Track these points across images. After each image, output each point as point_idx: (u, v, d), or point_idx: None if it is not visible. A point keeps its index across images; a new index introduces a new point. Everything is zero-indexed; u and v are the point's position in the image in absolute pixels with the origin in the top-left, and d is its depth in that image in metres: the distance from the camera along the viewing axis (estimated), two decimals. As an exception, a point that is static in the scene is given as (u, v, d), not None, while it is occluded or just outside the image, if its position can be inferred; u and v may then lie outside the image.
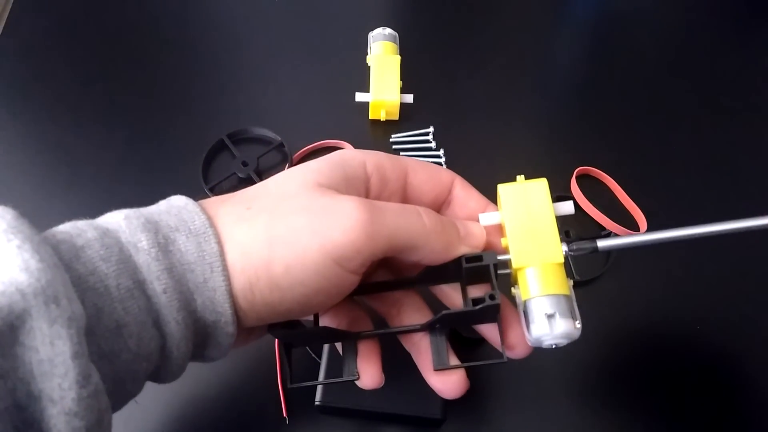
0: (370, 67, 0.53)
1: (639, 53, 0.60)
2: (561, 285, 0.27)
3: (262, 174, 0.50)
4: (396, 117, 0.53)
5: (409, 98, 0.53)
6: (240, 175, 0.49)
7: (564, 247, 0.28)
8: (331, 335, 0.30)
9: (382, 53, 0.54)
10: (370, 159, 0.29)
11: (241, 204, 0.27)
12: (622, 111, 0.56)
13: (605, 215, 0.47)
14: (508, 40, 0.61)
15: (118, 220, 0.24)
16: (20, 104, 0.54)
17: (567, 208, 0.29)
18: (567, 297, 0.27)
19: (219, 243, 0.25)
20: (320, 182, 0.27)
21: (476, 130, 0.54)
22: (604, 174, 0.50)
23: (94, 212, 0.50)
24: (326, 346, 0.38)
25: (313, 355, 0.40)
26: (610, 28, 0.63)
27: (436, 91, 0.56)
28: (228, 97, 0.55)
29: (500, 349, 0.29)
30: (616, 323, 0.44)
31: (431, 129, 0.53)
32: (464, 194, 0.31)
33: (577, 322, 0.27)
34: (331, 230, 0.25)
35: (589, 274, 0.45)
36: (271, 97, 0.55)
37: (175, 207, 0.26)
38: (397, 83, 0.52)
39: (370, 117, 0.53)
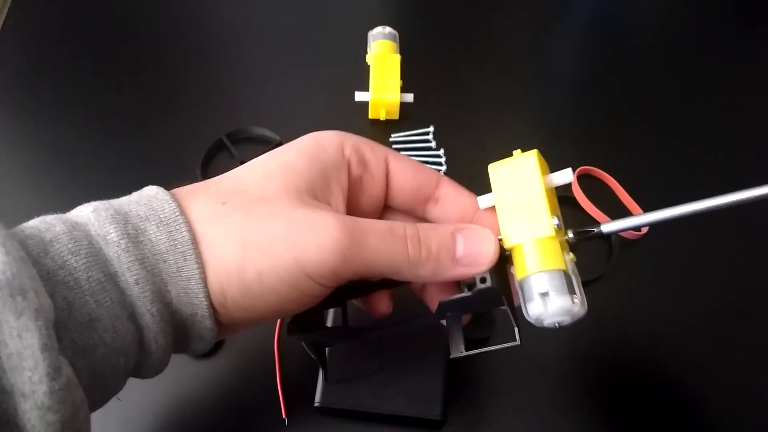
0: (369, 66, 0.53)
1: (639, 53, 0.60)
2: (554, 260, 0.26)
3: (261, 174, 0.50)
4: (396, 116, 0.53)
5: (409, 98, 0.52)
6: (239, 174, 0.48)
7: (570, 234, 0.27)
8: (348, 333, 0.31)
9: (382, 52, 0.54)
10: (348, 141, 0.29)
11: (216, 197, 0.26)
12: (623, 111, 0.56)
13: (606, 215, 0.47)
14: (508, 39, 0.60)
15: (87, 213, 0.24)
16: (19, 103, 0.54)
17: (564, 177, 0.28)
18: (562, 272, 0.26)
19: (191, 231, 0.24)
20: (300, 187, 0.26)
21: (476, 130, 0.53)
22: (605, 173, 0.50)
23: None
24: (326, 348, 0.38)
25: (313, 356, 0.40)
26: (611, 28, 0.63)
27: (436, 91, 0.56)
28: (227, 96, 0.55)
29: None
30: (618, 324, 0.44)
31: (431, 129, 0.53)
32: (454, 192, 0.31)
33: (575, 297, 0.25)
34: (308, 246, 0.24)
35: (588, 274, 0.45)
36: (269, 96, 0.55)
37: (145, 196, 0.25)
38: (397, 82, 0.52)
39: (370, 116, 0.53)
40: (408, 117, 0.53)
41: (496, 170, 0.29)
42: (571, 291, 0.26)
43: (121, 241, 0.23)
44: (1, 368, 0.19)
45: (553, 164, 0.52)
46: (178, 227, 0.24)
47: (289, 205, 0.25)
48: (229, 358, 0.41)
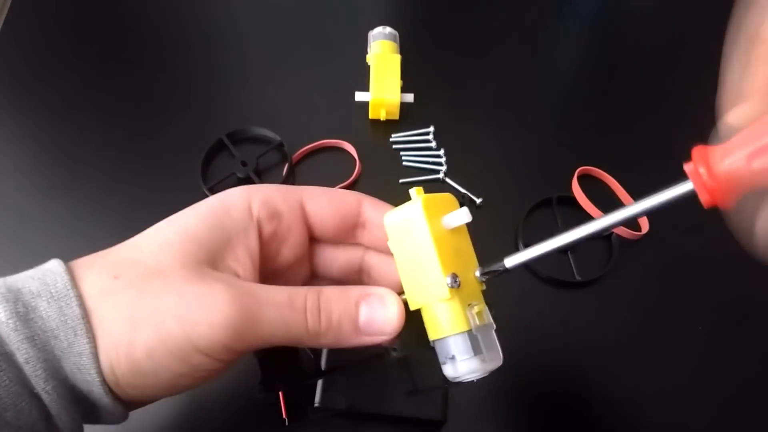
0: (369, 66, 0.53)
1: (640, 53, 0.60)
2: (455, 323, 0.25)
3: (261, 174, 0.49)
4: (396, 117, 0.53)
5: (410, 98, 0.52)
6: (239, 174, 0.48)
7: (477, 272, 0.26)
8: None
9: (382, 52, 0.54)
10: (256, 197, 0.28)
11: (109, 270, 0.25)
12: (624, 111, 0.56)
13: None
14: (508, 39, 0.60)
15: None
16: (18, 103, 0.53)
17: (460, 217, 0.26)
18: (465, 334, 0.25)
19: (82, 306, 0.24)
20: (199, 258, 0.25)
21: (476, 130, 0.53)
22: (606, 174, 0.50)
23: (93, 212, 0.50)
24: (324, 355, 0.37)
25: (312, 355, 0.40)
26: (611, 28, 0.63)
27: (436, 91, 0.55)
28: (227, 96, 0.55)
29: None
30: (618, 324, 0.44)
31: (431, 129, 0.53)
32: (377, 213, 0.30)
33: (483, 356, 0.25)
34: (199, 322, 0.24)
35: (589, 275, 0.45)
36: (270, 96, 0.55)
37: (41, 270, 0.25)
38: (398, 82, 0.52)
39: (370, 117, 0.53)
40: (408, 117, 0.53)
41: (390, 221, 0.27)
42: (478, 351, 0.25)
43: (9, 321, 0.23)
44: None
45: (554, 164, 0.52)
46: (68, 302, 0.24)
47: (184, 279, 0.25)
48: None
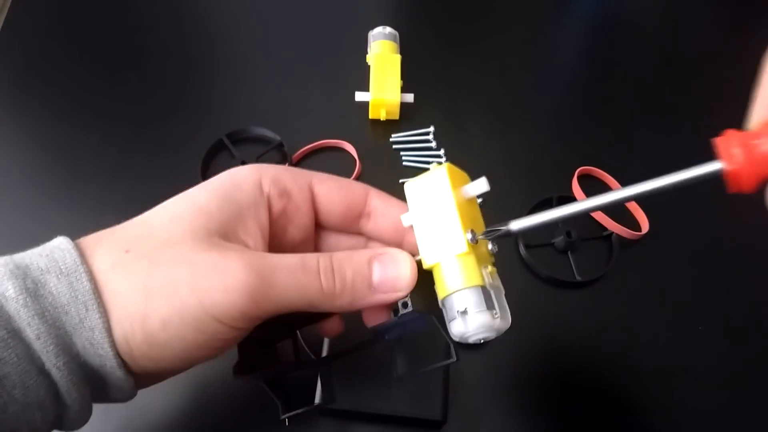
0: (370, 66, 0.53)
1: (640, 53, 0.60)
2: (470, 276, 0.26)
3: (261, 174, 0.50)
4: (396, 117, 0.53)
5: (410, 98, 0.52)
6: (239, 174, 0.48)
7: (480, 234, 0.27)
8: (298, 367, 0.31)
9: (382, 52, 0.54)
10: (267, 174, 0.28)
11: (120, 245, 0.25)
12: (624, 111, 0.56)
13: (607, 215, 0.47)
14: (509, 39, 0.60)
15: None
16: (19, 102, 0.53)
17: (479, 186, 0.27)
18: (479, 288, 0.26)
19: (92, 281, 0.24)
20: (210, 229, 0.25)
21: (476, 130, 0.53)
22: (606, 174, 0.50)
23: (93, 211, 0.50)
24: (325, 345, 0.38)
25: (311, 355, 0.40)
26: (611, 28, 0.63)
27: (436, 91, 0.56)
28: (227, 96, 0.55)
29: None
30: (619, 324, 0.44)
31: (431, 129, 0.53)
32: (383, 203, 0.30)
33: (495, 312, 0.25)
34: (214, 289, 0.24)
35: (589, 275, 0.45)
36: (270, 96, 0.55)
37: (48, 248, 0.25)
38: (398, 82, 0.52)
39: (370, 116, 0.53)
40: (408, 117, 0.53)
41: (411, 188, 0.28)
42: (490, 306, 0.25)
43: (20, 297, 0.23)
44: None
45: (554, 164, 0.52)
46: (78, 277, 0.24)
47: (195, 249, 0.25)
48: (229, 358, 0.41)
